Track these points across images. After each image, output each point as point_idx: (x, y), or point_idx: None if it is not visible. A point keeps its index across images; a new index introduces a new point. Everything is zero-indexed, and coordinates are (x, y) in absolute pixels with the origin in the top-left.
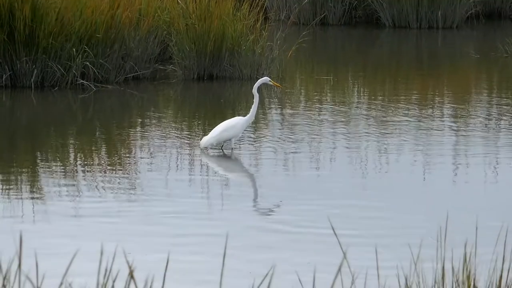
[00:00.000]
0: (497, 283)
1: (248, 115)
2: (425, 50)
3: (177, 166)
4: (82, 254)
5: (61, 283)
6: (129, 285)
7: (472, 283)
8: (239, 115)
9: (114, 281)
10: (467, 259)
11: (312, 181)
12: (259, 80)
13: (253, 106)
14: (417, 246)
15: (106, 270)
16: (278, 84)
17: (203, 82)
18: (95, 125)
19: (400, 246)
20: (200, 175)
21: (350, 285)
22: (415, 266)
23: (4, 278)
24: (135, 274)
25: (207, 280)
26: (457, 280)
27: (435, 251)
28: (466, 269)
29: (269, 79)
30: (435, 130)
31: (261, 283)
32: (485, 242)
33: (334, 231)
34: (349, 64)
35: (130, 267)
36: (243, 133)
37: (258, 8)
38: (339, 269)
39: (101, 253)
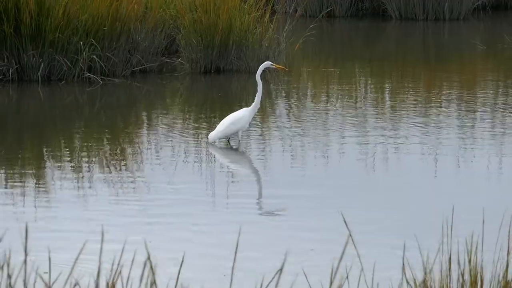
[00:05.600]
0: (504, 274)
1: (253, 104)
2: (432, 42)
3: (184, 159)
4: (89, 244)
5: (70, 274)
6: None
7: (478, 275)
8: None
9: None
10: (473, 252)
11: (319, 176)
12: (261, 66)
13: (257, 94)
14: (423, 238)
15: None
16: (280, 66)
17: (210, 75)
18: (102, 119)
19: (406, 237)
20: (208, 168)
21: (358, 277)
22: (422, 259)
23: (8, 269)
24: (141, 265)
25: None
26: (463, 273)
27: (441, 244)
28: (472, 261)
29: (271, 62)
30: (442, 123)
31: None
32: (491, 236)
33: (346, 225)
34: (356, 56)
35: (149, 257)
36: (250, 124)
37: (265, 0)
38: (341, 256)
39: (123, 245)
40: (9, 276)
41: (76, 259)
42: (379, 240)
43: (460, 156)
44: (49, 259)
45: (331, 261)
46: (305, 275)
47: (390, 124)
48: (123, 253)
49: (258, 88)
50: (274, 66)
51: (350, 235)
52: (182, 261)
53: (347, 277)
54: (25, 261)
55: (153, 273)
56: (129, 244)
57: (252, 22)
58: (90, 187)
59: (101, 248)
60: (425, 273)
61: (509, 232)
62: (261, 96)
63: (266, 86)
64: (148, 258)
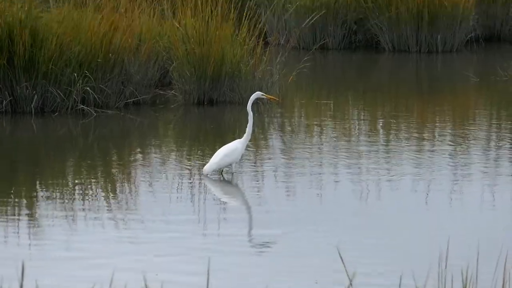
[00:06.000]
0: None
1: (244, 135)
2: (425, 74)
3: (177, 192)
4: (79, 278)
5: None
6: None
7: None
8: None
9: None
10: (468, 284)
11: (312, 208)
12: (252, 96)
13: (248, 125)
14: (419, 271)
15: None
16: (271, 97)
17: (203, 107)
18: (95, 151)
19: (402, 270)
20: (201, 201)
21: None
22: None
23: None
24: None
25: None
26: None
27: (437, 276)
28: None
29: (262, 93)
30: (436, 154)
31: None
32: (486, 268)
33: (341, 258)
34: (349, 89)
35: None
36: (243, 156)
37: (258, 32)
38: None
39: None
40: None
41: None
42: (374, 277)
43: (454, 189)
44: None
45: None
46: None
47: (383, 157)
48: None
49: (249, 118)
50: (265, 97)
51: (346, 271)
52: None
53: None
54: None
55: None
56: (120, 278)
57: (245, 54)
58: (83, 220)
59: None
60: None
61: (504, 266)
62: (253, 127)
63: (259, 118)
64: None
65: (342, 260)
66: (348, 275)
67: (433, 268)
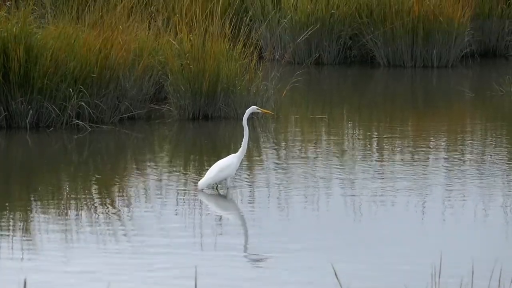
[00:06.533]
0: None
1: (240, 150)
2: (420, 89)
3: (172, 207)
4: None
5: None
6: None
7: None
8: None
9: None
10: None
11: (306, 223)
12: (247, 111)
13: (243, 139)
14: (413, 286)
15: None
16: (266, 110)
17: (198, 122)
18: (90, 166)
19: (397, 285)
20: (196, 216)
21: None
22: None
23: None
24: None
25: None
26: None
27: None
28: None
29: (257, 107)
30: (430, 170)
31: None
32: (480, 282)
33: (335, 272)
34: (344, 103)
35: None
36: (237, 171)
37: (253, 47)
38: None
39: None
40: None
41: None
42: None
43: (448, 204)
44: None
45: None
46: None
47: (378, 172)
48: None
49: (244, 133)
50: (260, 111)
51: (340, 285)
52: None
53: None
54: None
55: None
56: None
57: (239, 69)
58: (77, 236)
59: None
60: None
61: (499, 281)
62: (248, 141)
63: (254, 133)
64: None
65: (336, 274)
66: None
67: (427, 283)
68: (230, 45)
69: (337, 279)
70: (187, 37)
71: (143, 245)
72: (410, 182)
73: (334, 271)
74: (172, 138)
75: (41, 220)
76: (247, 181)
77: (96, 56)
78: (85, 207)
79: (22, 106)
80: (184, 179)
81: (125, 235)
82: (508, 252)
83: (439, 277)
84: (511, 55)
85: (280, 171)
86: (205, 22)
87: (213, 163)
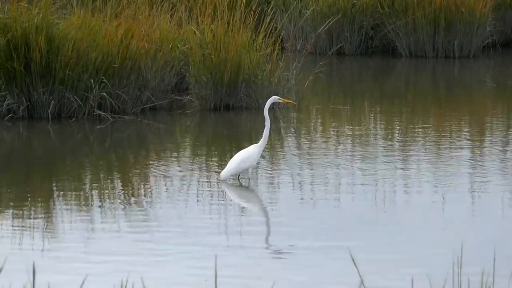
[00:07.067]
0: None
1: (261, 140)
2: (442, 80)
3: (194, 197)
4: (95, 284)
5: None
6: None
7: None
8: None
9: None
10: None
11: (328, 214)
12: (268, 101)
13: (265, 130)
14: (434, 276)
15: None
16: (288, 100)
17: (219, 112)
18: (112, 157)
19: (418, 276)
20: (218, 206)
21: None
22: None
23: None
24: None
25: None
26: None
27: (452, 282)
28: None
29: (278, 97)
30: (452, 160)
31: None
32: (503, 271)
33: (353, 260)
34: (365, 94)
35: None
36: (259, 162)
37: (274, 38)
38: None
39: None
40: None
41: None
42: (389, 281)
43: (470, 194)
44: None
45: None
46: None
47: (400, 162)
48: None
49: (266, 123)
50: (281, 100)
51: (360, 277)
52: None
53: None
54: None
55: None
56: (137, 282)
57: (261, 60)
58: (98, 225)
59: None
60: None
61: None
62: (269, 132)
63: (276, 123)
64: None
65: (354, 262)
66: (360, 276)
67: (448, 272)
68: (252, 35)
69: (355, 266)
70: (209, 27)
71: (164, 235)
72: (433, 172)
73: (352, 258)
74: (194, 128)
75: (62, 209)
76: (268, 172)
77: (118, 46)
78: (107, 197)
79: (44, 96)
80: (206, 169)
81: (146, 225)
82: None
83: (460, 267)
84: None
85: (302, 161)
86: (227, 13)
87: (235, 154)
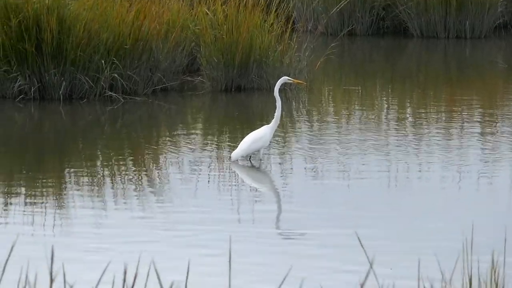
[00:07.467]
0: None
1: (272, 120)
2: (453, 60)
3: (205, 178)
4: (108, 263)
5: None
6: None
7: None
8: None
9: None
10: (495, 268)
11: (340, 195)
12: (278, 81)
13: (276, 110)
14: (443, 255)
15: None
16: (298, 81)
17: (231, 93)
18: (123, 138)
19: (427, 255)
20: (229, 187)
21: None
22: (442, 276)
23: None
24: (157, 280)
25: None
26: None
27: (462, 261)
28: (494, 278)
29: (288, 77)
30: (464, 141)
31: None
32: None
33: (360, 243)
34: (377, 75)
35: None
36: (271, 142)
37: (286, 19)
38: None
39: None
40: None
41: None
42: (399, 260)
43: (482, 174)
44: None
45: (350, 278)
46: None
47: (411, 142)
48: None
49: (277, 104)
50: (291, 81)
51: (367, 257)
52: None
53: None
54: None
55: None
56: (148, 262)
57: (272, 40)
58: (110, 205)
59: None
60: None
61: None
62: (281, 112)
63: (287, 104)
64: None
65: (361, 245)
66: (368, 259)
67: (459, 255)
68: (263, 16)
69: (363, 248)
70: (221, 8)
71: (176, 215)
72: (444, 153)
73: (359, 240)
74: (205, 109)
75: (74, 190)
76: (280, 152)
77: (129, 27)
78: (118, 178)
79: (55, 77)
80: (217, 150)
81: (157, 205)
82: None
83: (471, 249)
84: None
85: (313, 142)
86: None
87: (246, 135)
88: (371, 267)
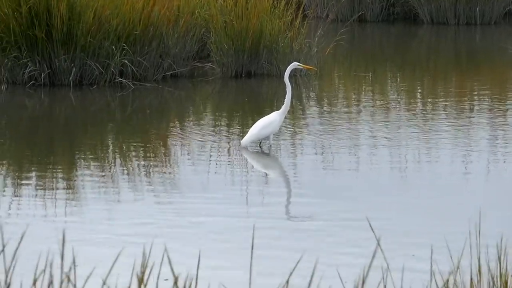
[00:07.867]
0: None
1: (282, 106)
2: (463, 46)
3: (215, 164)
4: (119, 249)
5: (104, 283)
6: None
7: (508, 278)
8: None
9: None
10: (503, 254)
11: (350, 181)
12: (288, 67)
13: (286, 96)
14: (453, 242)
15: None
16: (308, 66)
17: (241, 80)
18: (133, 124)
19: (435, 242)
20: (239, 173)
21: (385, 278)
22: (452, 262)
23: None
24: (169, 269)
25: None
26: (493, 277)
27: (470, 247)
28: (501, 265)
29: (298, 63)
30: (473, 126)
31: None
32: None
33: (370, 225)
34: (387, 61)
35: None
36: (281, 127)
37: (296, 5)
38: (371, 263)
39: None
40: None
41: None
42: (408, 246)
43: (492, 160)
44: (74, 262)
45: (359, 266)
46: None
47: (421, 129)
48: (148, 259)
49: (287, 90)
50: (301, 67)
51: (378, 242)
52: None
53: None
54: (62, 268)
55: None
56: (159, 249)
57: (283, 27)
58: (122, 192)
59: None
60: (454, 276)
61: None
62: (291, 98)
63: (297, 90)
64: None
65: (371, 228)
66: (377, 239)
67: (466, 240)
68: (273, 2)
69: (373, 232)
70: None
71: (186, 202)
72: (453, 139)
73: (370, 225)
74: (215, 95)
75: (84, 176)
76: (290, 138)
77: (139, 13)
78: (128, 164)
79: (65, 63)
80: (227, 136)
81: (167, 192)
82: None
83: (479, 234)
84: None
85: (323, 128)
86: None
87: (256, 121)
88: (378, 244)
